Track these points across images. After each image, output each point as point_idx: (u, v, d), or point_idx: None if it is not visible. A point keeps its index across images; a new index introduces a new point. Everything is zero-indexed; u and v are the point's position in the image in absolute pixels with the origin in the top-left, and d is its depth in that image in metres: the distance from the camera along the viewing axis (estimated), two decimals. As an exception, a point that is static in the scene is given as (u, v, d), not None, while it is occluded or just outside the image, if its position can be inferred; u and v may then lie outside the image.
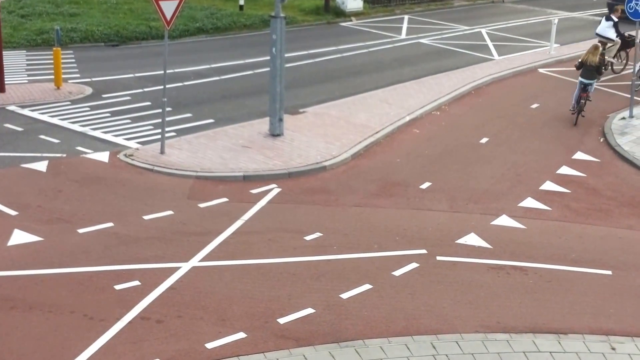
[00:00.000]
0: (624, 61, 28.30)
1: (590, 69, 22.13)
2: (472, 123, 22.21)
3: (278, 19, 19.27)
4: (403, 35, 33.80)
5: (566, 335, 11.75)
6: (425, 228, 15.27)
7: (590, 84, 22.14)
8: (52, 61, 24.08)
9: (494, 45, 32.07)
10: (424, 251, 14.16)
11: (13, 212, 15.09)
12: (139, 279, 12.65)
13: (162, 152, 18.45)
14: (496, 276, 13.46)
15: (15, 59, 26.74)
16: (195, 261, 13.41)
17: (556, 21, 31.40)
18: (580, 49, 31.54)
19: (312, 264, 13.52)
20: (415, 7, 40.61)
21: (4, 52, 23.50)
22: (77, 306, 11.79)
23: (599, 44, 23.25)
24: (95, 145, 19.04)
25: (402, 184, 17.60)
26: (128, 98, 23.03)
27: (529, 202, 16.78)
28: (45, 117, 21.00)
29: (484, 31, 35.02)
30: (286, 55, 20.62)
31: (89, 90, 23.60)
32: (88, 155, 18.35)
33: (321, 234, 14.71)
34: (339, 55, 29.51)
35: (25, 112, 21.42)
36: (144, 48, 29.82)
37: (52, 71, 23.76)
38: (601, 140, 21.15)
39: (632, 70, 25.04)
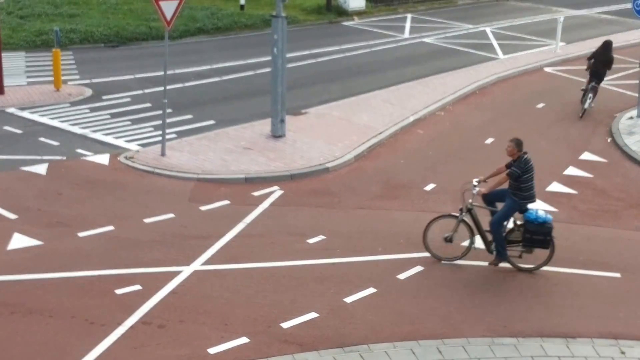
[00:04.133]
0: None
1: None
2: (477, 123, 22.07)
3: (279, 18, 19.15)
4: (406, 35, 33.66)
5: (574, 339, 11.64)
6: (430, 230, 15.10)
7: None
8: (51, 63, 23.96)
9: (498, 44, 31.93)
10: (429, 254, 13.98)
11: (13, 216, 14.99)
12: (140, 283, 12.55)
13: (162, 154, 18.32)
14: (502, 279, 13.32)
15: (14, 61, 26.62)
16: (197, 265, 13.30)
17: (562, 19, 31.28)
18: (587, 47, 31.43)
19: (316, 268, 13.39)
20: (419, 5, 40.47)
21: (3, 53, 23.40)
22: (78, 311, 11.71)
23: None
24: (96, 148, 18.91)
25: (406, 185, 17.45)
26: (128, 99, 22.92)
27: (536, 204, 16.53)
28: (44, 120, 20.88)
29: (488, 30, 34.88)
30: (288, 55, 20.50)
31: (88, 92, 23.49)
32: (88, 158, 18.24)
33: (324, 237, 14.59)
34: (341, 55, 29.38)
35: (25, 114, 21.30)
36: (144, 49, 29.69)
37: (52, 73, 23.64)
38: (609, 140, 21.00)
39: (638, 69, 24.87)
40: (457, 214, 13.79)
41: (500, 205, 13.68)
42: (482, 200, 13.83)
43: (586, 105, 23.04)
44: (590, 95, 23.15)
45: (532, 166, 13.44)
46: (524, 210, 13.43)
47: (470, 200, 13.68)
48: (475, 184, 13.65)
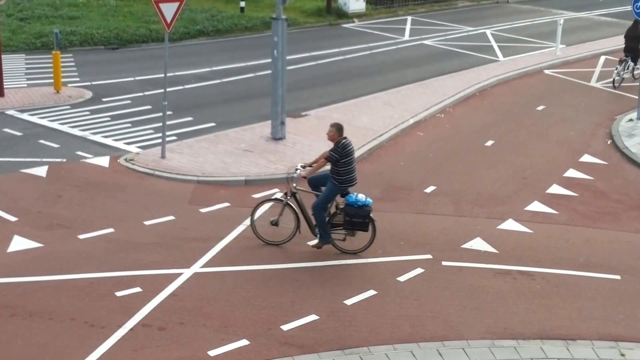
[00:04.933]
0: None
1: None
2: (477, 125, 22.06)
3: (279, 20, 19.13)
4: (406, 37, 33.66)
5: (574, 342, 11.61)
6: (430, 233, 15.10)
7: None
8: (51, 65, 23.97)
9: (498, 46, 31.93)
10: (429, 256, 13.99)
11: (13, 218, 14.97)
12: (140, 286, 12.53)
13: (162, 156, 18.30)
14: (503, 281, 13.30)
15: (14, 63, 26.64)
16: (197, 267, 13.27)
17: (562, 21, 31.27)
18: (587, 49, 31.46)
19: (316, 270, 13.38)
20: (419, 8, 40.48)
21: (3, 55, 23.42)
22: (78, 313, 11.68)
23: None
24: (96, 150, 18.90)
25: (407, 187, 17.43)
26: (128, 102, 22.91)
27: (536, 206, 16.61)
28: (44, 122, 20.88)
29: (488, 32, 34.88)
30: (288, 57, 20.49)
31: (88, 94, 23.50)
32: (88, 160, 18.22)
33: (325, 239, 14.55)
34: (341, 57, 29.37)
35: (25, 116, 21.30)
36: (144, 51, 29.70)
37: (52, 75, 23.65)
38: (608, 142, 20.98)
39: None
40: (282, 198, 14.18)
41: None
42: (308, 184, 14.19)
43: (614, 75, 26.25)
44: (617, 66, 26.35)
45: (351, 151, 13.78)
46: (345, 193, 13.80)
47: (294, 185, 14.09)
48: (300, 168, 14.07)
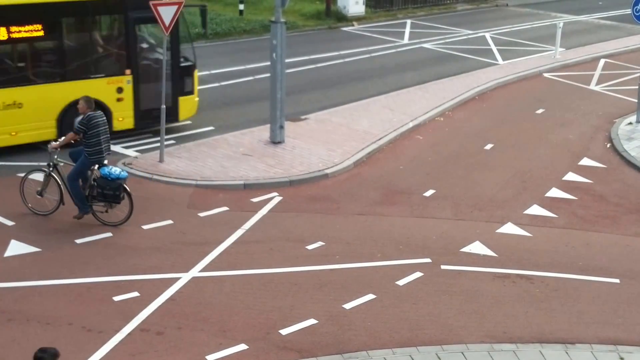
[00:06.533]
0: None
1: None
2: (477, 129, 22.03)
3: (278, 24, 19.12)
4: (406, 40, 33.63)
5: (574, 345, 11.64)
6: (430, 236, 15.08)
7: None
8: (51, 68, 23.87)
9: (498, 49, 31.90)
10: (428, 260, 13.97)
11: (10, 223, 14.94)
12: (138, 290, 12.52)
13: (161, 160, 18.25)
14: (502, 285, 13.29)
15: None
16: (195, 271, 13.26)
17: (561, 25, 31.22)
18: (586, 53, 31.43)
19: (315, 274, 13.36)
20: (418, 11, 40.47)
21: None
22: (76, 318, 11.68)
23: None
24: (94, 154, 18.82)
25: (406, 191, 17.41)
26: (128, 105, 22.82)
27: (535, 210, 16.59)
28: (43, 125, 20.77)
29: (487, 35, 34.85)
30: (287, 60, 20.45)
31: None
32: (87, 164, 18.14)
33: (323, 243, 14.55)
34: (340, 61, 29.35)
35: (24, 120, 21.20)
36: (144, 55, 29.61)
37: (51, 79, 23.54)
38: (608, 145, 20.96)
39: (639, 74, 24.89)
40: (45, 169, 14.89)
41: None
42: (69, 157, 14.87)
43: None
44: None
45: (98, 124, 14.42)
46: (101, 166, 14.47)
47: (55, 157, 14.86)
48: (61, 141, 14.79)
